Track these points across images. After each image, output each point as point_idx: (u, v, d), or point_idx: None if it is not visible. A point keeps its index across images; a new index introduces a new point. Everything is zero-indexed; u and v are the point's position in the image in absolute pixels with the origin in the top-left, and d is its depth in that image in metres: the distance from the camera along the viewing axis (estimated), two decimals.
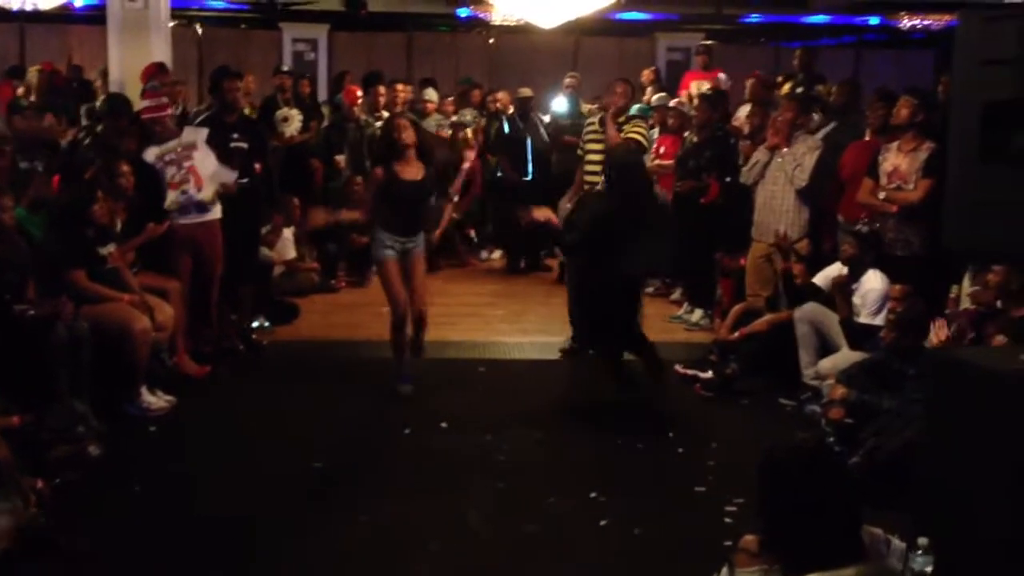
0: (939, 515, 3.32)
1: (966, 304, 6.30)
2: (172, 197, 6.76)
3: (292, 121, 10.31)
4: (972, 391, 3.26)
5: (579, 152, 7.86)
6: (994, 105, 3.08)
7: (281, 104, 10.60)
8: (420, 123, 7.40)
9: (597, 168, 7.46)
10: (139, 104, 7.17)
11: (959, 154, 3.25)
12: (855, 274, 6.48)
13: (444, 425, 6.03)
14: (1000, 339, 5.24)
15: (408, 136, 6.39)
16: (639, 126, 7.64)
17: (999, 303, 5.88)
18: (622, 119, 7.53)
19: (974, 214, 3.18)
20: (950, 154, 3.38)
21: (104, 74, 11.54)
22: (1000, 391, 3.12)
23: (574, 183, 8.12)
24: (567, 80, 11.33)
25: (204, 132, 7.03)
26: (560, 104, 11.42)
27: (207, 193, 6.88)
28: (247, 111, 7.82)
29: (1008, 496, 3.10)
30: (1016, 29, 3.01)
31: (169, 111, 6.98)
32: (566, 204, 7.97)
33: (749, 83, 9.79)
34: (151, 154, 6.79)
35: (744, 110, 9.36)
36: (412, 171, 6.39)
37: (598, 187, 7.27)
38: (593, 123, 7.94)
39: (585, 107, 11.12)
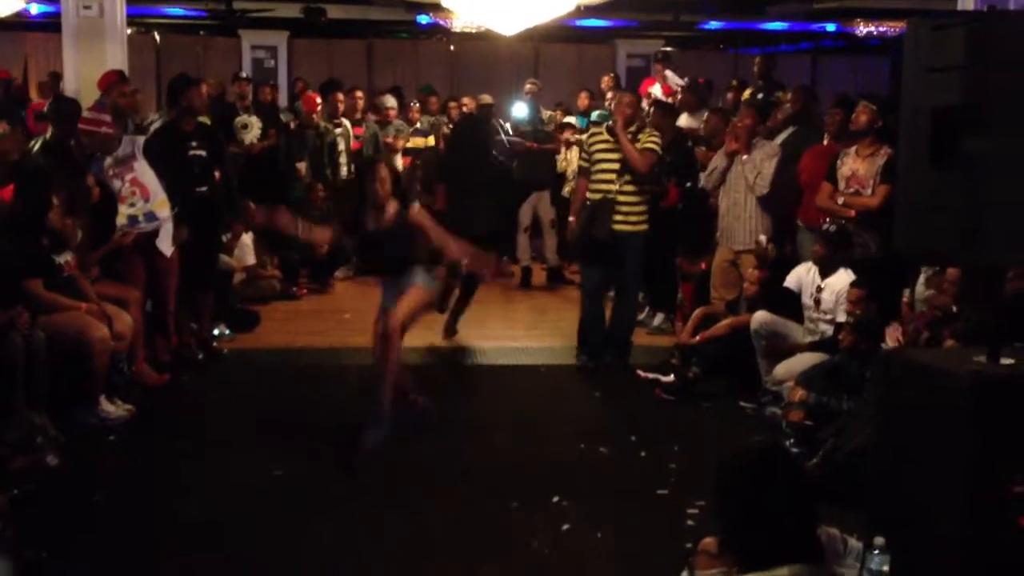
0: (895, 515, 3.37)
1: (920, 307, 6.40)
2: (122, 211, 6.71)
3: (251, 128, 10.27)
4: (926, 392, 3.31)
5: (582, 163, 7.54)
6: (943, 111, 3.13)
7: (240, 111, 10.55)
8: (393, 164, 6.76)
9: (612, 177, 7.23)
10: (83, 114, 7.08)
11: (909, 159, 3.30)
12: (825, 274, 6.56)
13: None
14: (950, 343, 5.31)
15: (385, 188, 5.96)
16: (654, 136, 7.34)
17: (954, 307, 5.97)
18: (633, 128, 7.27)
19: (925, 219, 3.23)
20: (900, 159, 3.43)
21: (54, 78, 11.41)
22: (953, 392, 3.17)
23: (576, 197, 7.83)
24: (527, 87, 11.39)
25: (140, 140, 6.98)
26: (520, 110, 11.47)
27: (155, 202, 6.83)
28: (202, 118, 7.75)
29: (961, 496, 3.15)
30: (963, 36, 3.07)
31: (105, 129, 6.76)
32: (571, 219, 7.82)
33: (679, 91, 9.95)
34: (104, 163, 6.75)
35: (684, 118, 9.48)
36: (385, 215, 5.94)
37: (612, 195, 7.18)
38: (600, 133, 7.47)
39: (546, 113, 11.18)
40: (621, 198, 7.21)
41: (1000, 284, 3.60)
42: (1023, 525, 2.98)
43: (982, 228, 3.03)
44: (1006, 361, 3.23)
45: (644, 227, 7.33)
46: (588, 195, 7.37)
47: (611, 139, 7.30)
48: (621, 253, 7.27)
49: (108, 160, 6.75)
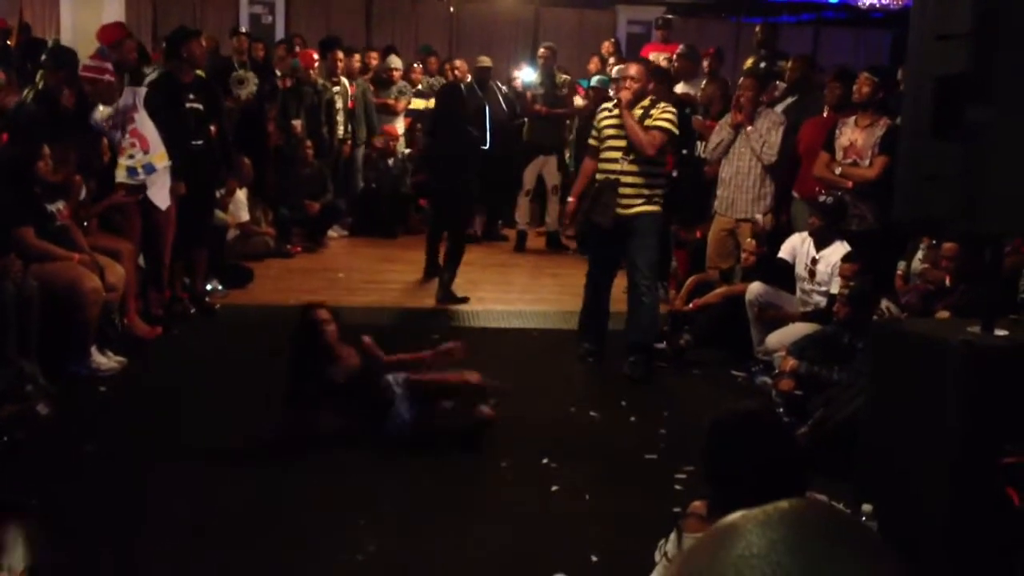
0: (883, 482, 3.38)
1: (914, 280, 6.41)
2: (121, 163, 6.69)
3: (247, 84, 10.19)
4: (918, 362, 3.32)
5: (592, 142, 6.83)
6: (947, 79, 3.11)
7: (237, 66, 10.47)
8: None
9: (619, 156, 6.59)
10: (84, 62, 7.03)
11: (912, 127, 3.28)
12: (821, 245, 6.56)
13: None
14: (943, 314, 5.32)
15: (333, 331, 5.36)
16: (668, 112, 6.58)
17: (948, 281, 5.99)
18: (646, 103, 6.58)
19: (925, 187, 3.22)
20: (903, 127, 3.42)
21: (23, 30, 11.30)
22: (945, 362, 3.17)
23: (580, 176, 7.06)
24: (541, 51, 11.24)
25: (142, 92, 6.93)
26: (527, 74, 11.42)
27: (154, 154, 6.80)
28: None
29: (950, 465, 3.16)
30: (969, 4, 3.04)
31: (108, 77, 6.74)
32: (570, 199, 7.16)
33: (675, 57, 9.87)
34: (99, 115, 6.71)
35: (680, 85, 9.43)
36: (349, 357, 5.37)
37: (615, 176, 6.55)
38: (611, 110, 6.75)
39: (561, 77, 11.08)
40: (625, 179, 6.55)
41: (998, 255, 3.59)
42: (1012, 495, 2.99)
43: (982, 198, 3.02)
44: (1000, 332, 3.23)
45: (653, 208, 6.60)
46: (597, 176, 6.73)
47: (620, 119, 6.62)
48: (626, 237, 6.57)
49: (108, 110, 6.70)
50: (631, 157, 6.54)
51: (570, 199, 7.19)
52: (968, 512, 3.14)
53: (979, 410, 3.10)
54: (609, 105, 6.90)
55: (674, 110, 6.73)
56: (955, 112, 3.06)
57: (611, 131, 6.66)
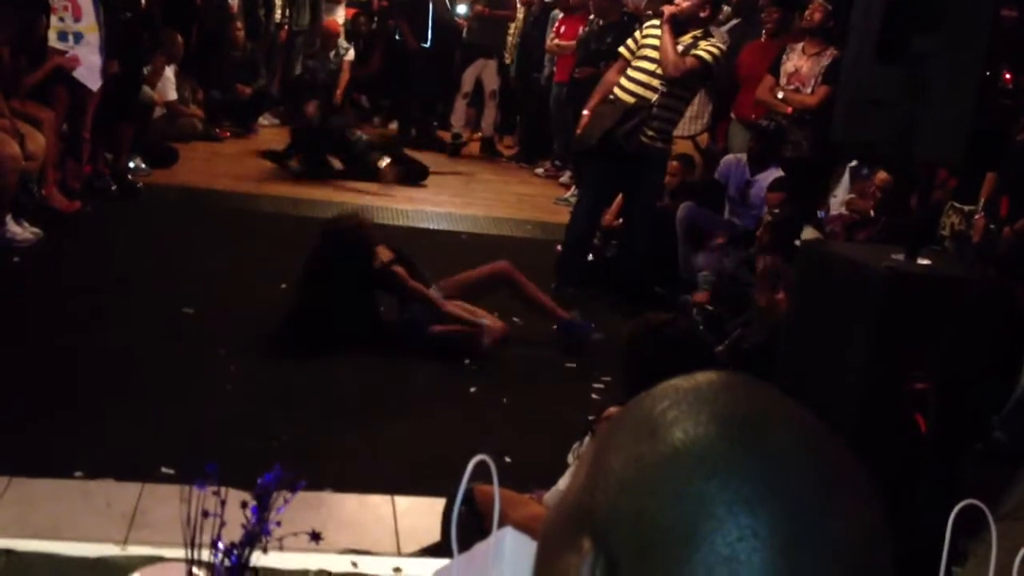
0: (797, 398, 3.44)
1: (838, 210, 6.49)
2: (53, 23, 6.48)
3: None
4: (839, 285, 3.35)
5: (624, 52, 6.29)
6: (896, 4, 3.09)
7: None
8: None
9: (653, 83, 6.04)
10: None
11: (857, 51, 3.26)
12: (756, 169, 6.58)
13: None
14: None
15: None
16: (714, 47, 6.12)
17: (872, 212, 6.07)
18: (699, 33, 6.09)
19: (865, 112, 3.21)
20: (848, 50, 3.40)
21: None
22: (868, 286, 3.21)
23: (599, 89, 6.41)
24: None
25: None
26: None
27: (84, 24, 6.56)
28: None
29: (863, 386, 3.22)
30: None
31: None
32: (585, 112, 6.41)
33: None
34: None
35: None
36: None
37: (655, 103, 6.00)
38: (655, 25, 6.16)
39: None
40: (657, 110, 6.06)
41: (929, 184, 3.63)
42: (919, 421, 3.06)
43: (921, 126, 3.02)
44: (923, 261, 3.27)
45: (669, 144, 6.39)
46: (617, 92, 6.15)
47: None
48: (637, 171, 6.11)
49: None
50: (664, 81, 6.03)
51: (585, 112, 6.42)
52: (877, 436, 3.20)
53: (896, 336, 3.14)
54: (656, 21, 6.22)
55: (722, 47, 6.35)
56: (901, 38, 3.05)
57: (652, 51, 6.07)
